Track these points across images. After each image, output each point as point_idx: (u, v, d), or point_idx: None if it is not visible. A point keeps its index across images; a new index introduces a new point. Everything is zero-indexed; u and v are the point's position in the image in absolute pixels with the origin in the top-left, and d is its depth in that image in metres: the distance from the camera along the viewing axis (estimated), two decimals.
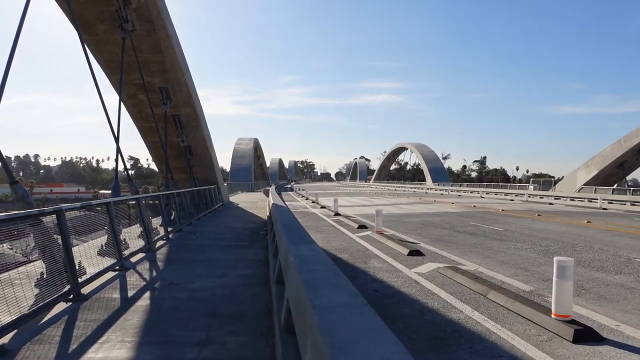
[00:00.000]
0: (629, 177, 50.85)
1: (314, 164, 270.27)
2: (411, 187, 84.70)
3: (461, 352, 5.60)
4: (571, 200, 40.23)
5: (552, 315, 6.48)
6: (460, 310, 7.18)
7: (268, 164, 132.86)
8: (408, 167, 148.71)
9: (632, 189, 43.97)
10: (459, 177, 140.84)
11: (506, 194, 50.73)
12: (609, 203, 35.28)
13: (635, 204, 33.65)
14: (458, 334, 6.21)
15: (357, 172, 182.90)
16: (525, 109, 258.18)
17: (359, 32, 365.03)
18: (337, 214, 24.33)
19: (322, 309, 3.23)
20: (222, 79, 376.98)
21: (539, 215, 25.92)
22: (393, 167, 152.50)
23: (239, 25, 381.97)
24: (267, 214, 18.69)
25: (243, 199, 39.02)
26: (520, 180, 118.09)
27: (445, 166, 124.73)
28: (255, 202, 33.88)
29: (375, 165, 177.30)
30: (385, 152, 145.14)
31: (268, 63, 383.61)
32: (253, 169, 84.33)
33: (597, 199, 36.38)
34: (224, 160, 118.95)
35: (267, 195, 30.33)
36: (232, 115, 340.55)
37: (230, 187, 50.43)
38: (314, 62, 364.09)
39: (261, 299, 7.32)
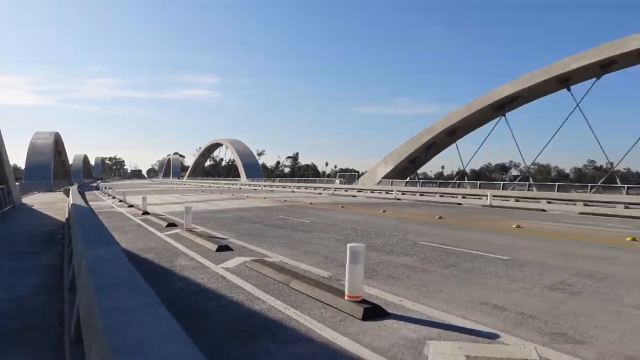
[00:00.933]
0: (419, 171, 57.30)
1: (123, 161, 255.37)
2: (225, 184, 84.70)
3: (264, 341, 5.78)
4: (372, 192, 43.97)
5: (346, 297, 7.06)
6: (263, 301, 7.42)
7: (71, 161, 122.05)
8: (223, 163, 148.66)
9: (421, 181, 49.64)
10: (273, 173, 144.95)
11: (315, 188, 53.61)
12: (402, 194, 39.34)
13: (423, 194, 38.12)
14: (261, 324, 6.41)
15: (170, 168, 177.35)
16: (336, 108, 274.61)
17: (175, 23, 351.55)
18: (145, 213, 23.30)
19: (111, 311, 3.12)
20: (17, 65, 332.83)
21: (342, 207, 27.89)
22: (208, 163, 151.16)
23: (39, 2, 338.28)
24: (66, 215, 17.18)
25: (39, 200, 35.22)
26: (329, 175, 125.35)
27: (260, 162, 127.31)
28: (54, 203, 30.85)
29: (190, 161, 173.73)
30: (200, 148, 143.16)
31: (73, 50, 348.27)
32: (53, 166, 76.71)
33: (392, 191, 40.36)
34: (18, 157, 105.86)
35: (68, 195, 27.86)
36: (30, 106, 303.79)
37: (25, 187, 45.15)
38: (127, 53, 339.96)
39: (54, 308, 6.73)
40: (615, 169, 42.05)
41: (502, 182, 46.05)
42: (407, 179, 49.45)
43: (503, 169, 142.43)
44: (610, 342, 5.79)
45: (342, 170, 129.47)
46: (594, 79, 39.87)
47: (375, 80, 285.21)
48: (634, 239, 14.59)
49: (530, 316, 6.76)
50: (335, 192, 46.95)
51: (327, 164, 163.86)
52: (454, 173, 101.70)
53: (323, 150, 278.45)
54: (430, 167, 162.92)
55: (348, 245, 7.19)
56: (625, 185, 33.01)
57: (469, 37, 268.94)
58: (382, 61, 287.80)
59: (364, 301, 6.99)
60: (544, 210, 28.14)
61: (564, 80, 41.04)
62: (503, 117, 45.90)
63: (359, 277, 7.08)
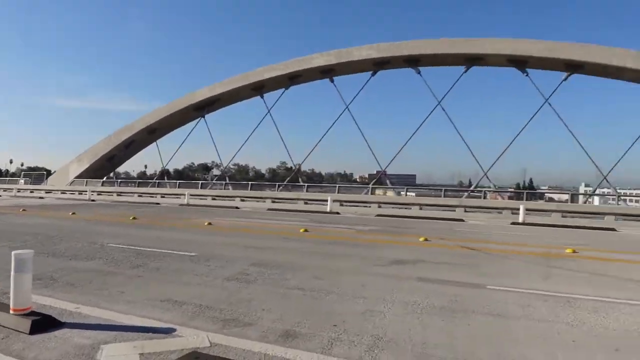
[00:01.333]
0: (120, 170, 54.98)
1: None
2: None
3: None
4: (62, 193, 40.52)
5: (11, 311, 6.37)
6: None
7: None
8: None
9: (119, 180, 47.79)
10: None
11: None
12: (98, 194, 37.31)
13: (121, 194, 36.81)
14: None
15: None
16: (27, 99, 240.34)
17: None
18: None
19: None
20: None
21: (24, 210, 24.95)
22: None
23: None
24: None
25: None
26: (13, 175, 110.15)
27: None
28: None
29: None
30: None
31: None
32: None
33: (87, 191, 37.81)
34: None
35: None
36: None
37: None
38: None
39: None
40: (301, 169, 47.71)
41: (201, 182, 47.67)
42: (105, 179, 46.87)
43: (205, 168, 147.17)
44: (273, 321, 6.59)
45: (30, 169, 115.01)
46: (284, 88, 44.52)
47: (79, 72, 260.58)
48: (305, 230, 16.87)
49: (207, 307, 7.21)
50: (19, 194, 41.70)
51: (11, 162, 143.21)
52: (157, 172, 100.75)
53: (9, 146, 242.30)
54: (133, 167, 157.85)
55: (12, 252, 6.50)
56: (306, 184, 37.91)
57: (174, 39, 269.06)
58: (82, 52, 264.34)
59: (33, 313, 6.40)
60: (237, 207, 30.20)
61: (259, 88, 44.81)
62: (203, 119, 47.41)
63: (26, 287, 6.45)
